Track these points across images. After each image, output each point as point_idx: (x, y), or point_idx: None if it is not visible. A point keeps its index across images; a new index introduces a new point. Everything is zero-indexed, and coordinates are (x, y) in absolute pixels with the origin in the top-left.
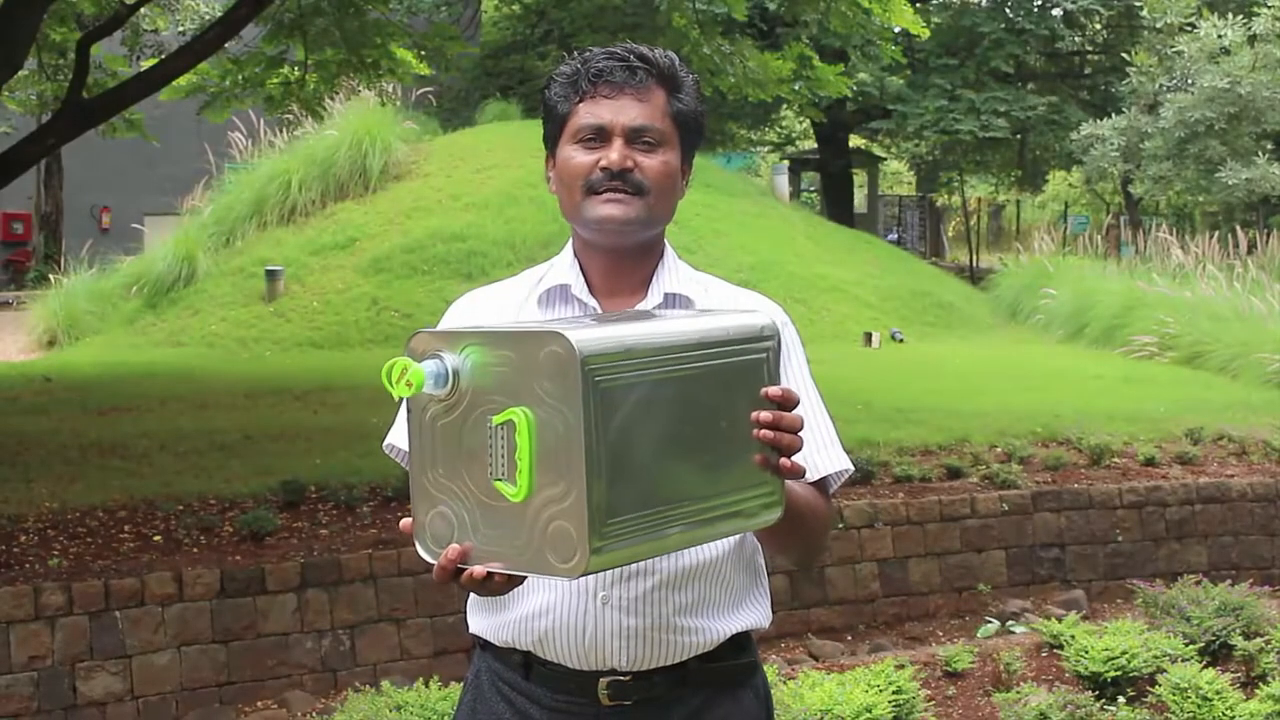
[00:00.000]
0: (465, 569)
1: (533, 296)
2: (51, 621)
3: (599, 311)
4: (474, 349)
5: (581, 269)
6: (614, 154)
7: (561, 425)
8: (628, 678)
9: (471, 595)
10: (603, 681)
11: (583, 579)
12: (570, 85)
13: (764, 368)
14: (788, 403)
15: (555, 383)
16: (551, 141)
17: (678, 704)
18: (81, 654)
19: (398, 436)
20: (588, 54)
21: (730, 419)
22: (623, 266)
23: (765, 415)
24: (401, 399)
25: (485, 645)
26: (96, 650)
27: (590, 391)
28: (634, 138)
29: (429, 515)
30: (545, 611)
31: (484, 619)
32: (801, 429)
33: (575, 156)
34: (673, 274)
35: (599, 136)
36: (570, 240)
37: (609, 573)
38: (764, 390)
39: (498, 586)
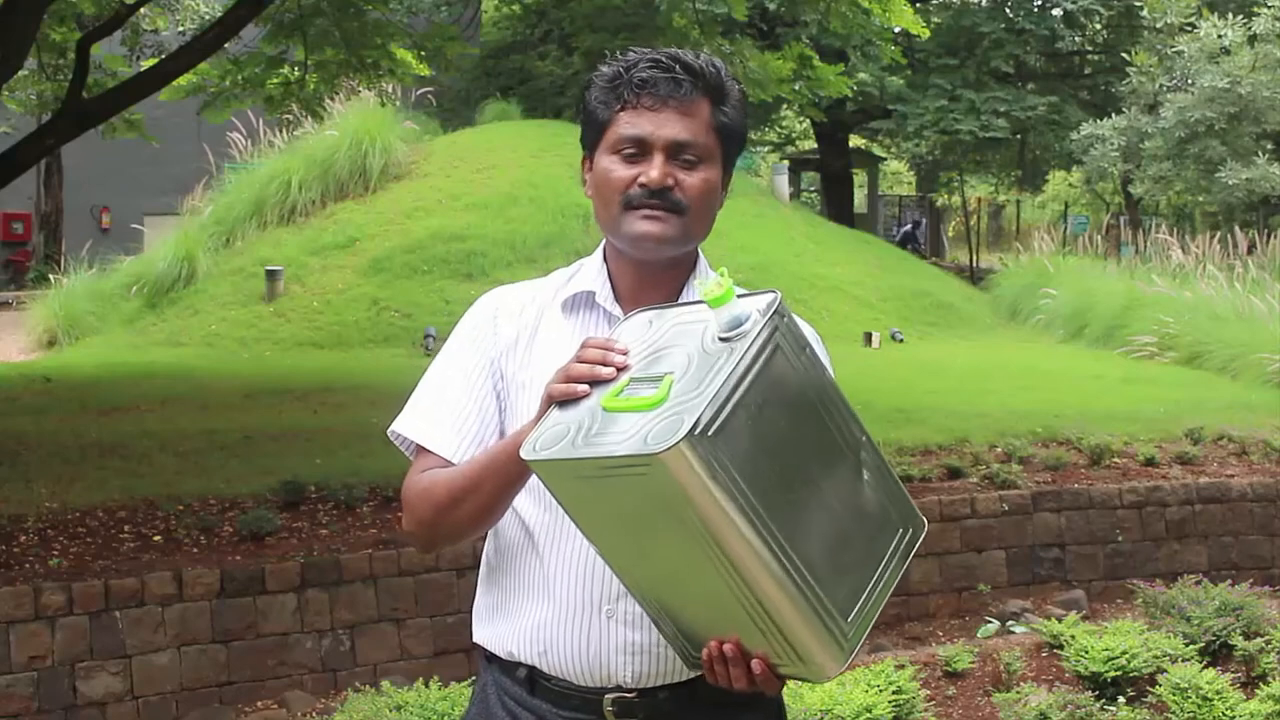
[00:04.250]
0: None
1: (557, 300)
2: (51, 621)
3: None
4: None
5: (610, 275)
6: (654, 171)
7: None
8: (633, 694)
9: (476, 602)
10: (608, 698)
11: (587, 594)
12: (611, 91)
13: None
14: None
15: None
16: (590, 146)
17: None
18: (81, 654)
19: (407, 424)
20: (630, 57)
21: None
22: (654, 277)
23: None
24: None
25: (491, 659)
26: (96, 650)
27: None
28: (675, 153)
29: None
30: (548, 624)
31: (488, 628)
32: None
33: (614, 170)
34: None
35: (639, 149)
36: (603, 244)
37: (614, 587)
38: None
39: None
